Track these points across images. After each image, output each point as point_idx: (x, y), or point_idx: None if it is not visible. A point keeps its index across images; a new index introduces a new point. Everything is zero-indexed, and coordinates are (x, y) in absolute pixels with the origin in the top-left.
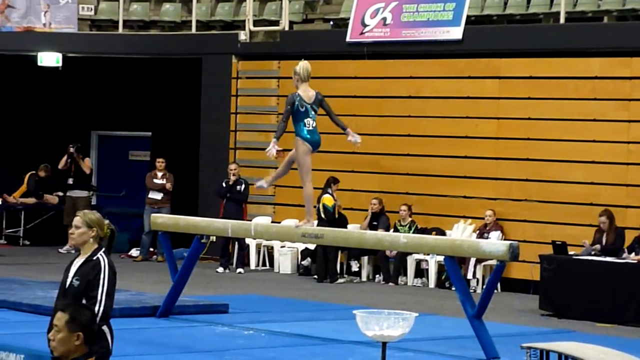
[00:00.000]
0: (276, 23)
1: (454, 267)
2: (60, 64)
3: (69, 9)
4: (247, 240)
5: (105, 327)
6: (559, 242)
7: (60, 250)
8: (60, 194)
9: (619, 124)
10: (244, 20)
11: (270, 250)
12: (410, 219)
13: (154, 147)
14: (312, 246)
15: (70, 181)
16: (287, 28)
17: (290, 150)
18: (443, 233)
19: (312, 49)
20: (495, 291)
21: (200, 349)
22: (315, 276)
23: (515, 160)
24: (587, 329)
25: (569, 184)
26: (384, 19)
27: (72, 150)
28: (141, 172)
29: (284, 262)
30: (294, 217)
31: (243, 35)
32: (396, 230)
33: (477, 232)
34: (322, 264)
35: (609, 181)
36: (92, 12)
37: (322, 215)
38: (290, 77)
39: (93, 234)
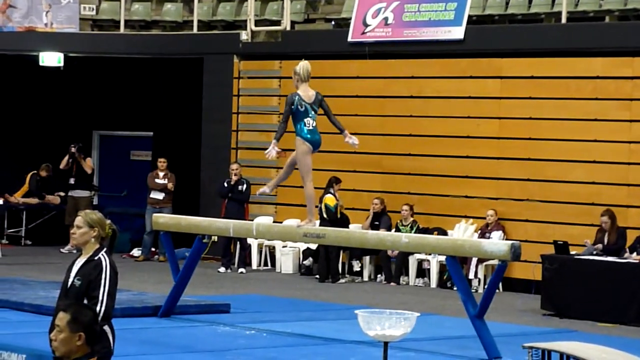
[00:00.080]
0: (278, 23)
1: (455, 267)
2: (61, 64)
3: (70, 9)
4: (249, 240)
5: (106, 327)
6: (561, 242)
7: (61, 250)
8: (62, 193)
9: (621, 123)
10: (246, 20)
11: (272, 250)
12: (412, 219)
13: (156, 147)
14: (313, 246)
15: (72, 181)
16: (288, 28)
17: (290, 150)
18: (445, 233)
19: (314, 49)
20: (497, 291)
21: (201, 349)
22: (317, 276)
23: (517, 160)
24: (589, 328)
25: (571, 183)
26: (386, 18)
27: (73, 150)
28: (143, 172)
29: (286, 262)
30: (296, 217)
31: (244, 35)
32: (398, 230)
33: (479, 232)
34: (323, 263)
35: (610, 181)
36: (94, 12)
37: (325, 215)
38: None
39: (94, 234)
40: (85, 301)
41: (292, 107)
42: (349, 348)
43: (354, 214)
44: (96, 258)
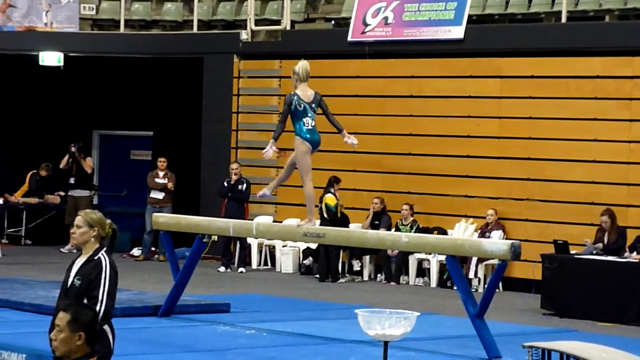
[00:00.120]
0: (277, 22)
1: (455, 266)
2: (61, 64)
3: (70, 9)
4: (249, 240)
5: (106, 327)
6: (561, 242)
7: (61, 249)
8: (62, 193)
9: (621, 123)
10: (246, 20)
11: (272, 250)
12: (411, 218)
13: (156, 146)
14: (313, 245)
15: (72, 181)
16: (288, 27)
17: (290, 149)
18: (445, 232)
19: (314, 49)
20: (497, 290)
21: (201, 349)
22: (317, 275)
23: (517, 159)
24: (589, 328)
25: (571, 183)
26: (386, 18)
27: (73, 149)
28: (143, 172)
29: (286, 261)
30: (296, 217)
31: (244, 35)
32: (398, 229)
33: (479, 231)
34: (323, 263)
35: (610, 180)
36: (94, 12)
37: (325, 215)
38: None
39: (94, 233)
40: (85, 301)
41: (291, 106)
42: (349, 347)
43: (354, 214)
44: (96, 258)
